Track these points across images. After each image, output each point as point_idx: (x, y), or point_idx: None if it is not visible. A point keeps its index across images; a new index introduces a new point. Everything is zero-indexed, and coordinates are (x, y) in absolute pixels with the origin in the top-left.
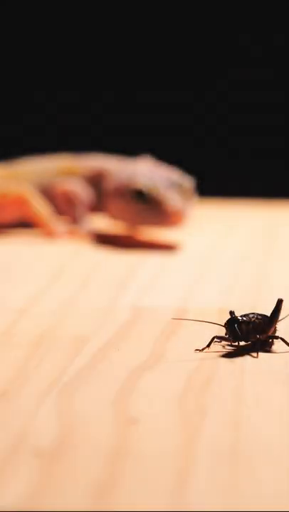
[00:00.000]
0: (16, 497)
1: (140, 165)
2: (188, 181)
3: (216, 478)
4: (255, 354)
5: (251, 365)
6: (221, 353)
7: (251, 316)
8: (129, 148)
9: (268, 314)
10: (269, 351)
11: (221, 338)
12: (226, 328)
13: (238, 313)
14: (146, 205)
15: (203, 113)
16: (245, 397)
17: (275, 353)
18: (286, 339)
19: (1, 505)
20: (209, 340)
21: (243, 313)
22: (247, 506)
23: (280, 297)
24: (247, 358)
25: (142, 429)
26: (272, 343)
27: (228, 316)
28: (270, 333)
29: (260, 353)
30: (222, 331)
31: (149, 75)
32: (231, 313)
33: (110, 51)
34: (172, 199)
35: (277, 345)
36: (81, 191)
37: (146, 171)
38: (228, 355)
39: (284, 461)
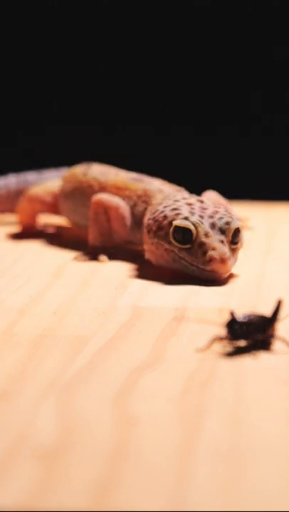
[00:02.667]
0: (16, 497)
1: (184, 197)
2: (236, 222)
3: (216, 478)
4: (255, 354)
5: (251, 365)
6: (221, 353)
7: (251, 316)
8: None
9: (268, 314)
10: (269, 351)
11: (221, 338)
12: (226, 328)
13: (238, 313)
14: (184, 245)
15: (203, 114)
16: (245, 397)
17: (275, 353)
18: (286, 339)
19: (1, 505)
20: (209, 340)
21: (243, 313)
22: (247, 506)
23: (280, 297)
24: (247, 358)
25: (141, 429)
26: (272, 343)
27: (228, 316)
28: (270, 333)
29: (260, 353)
30: (222, 331)
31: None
32: (231, 313)
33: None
34: (218, 243)
35: (277, 345)
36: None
37: (190, 206)
38: (228, 355)
39: (284, 461)
